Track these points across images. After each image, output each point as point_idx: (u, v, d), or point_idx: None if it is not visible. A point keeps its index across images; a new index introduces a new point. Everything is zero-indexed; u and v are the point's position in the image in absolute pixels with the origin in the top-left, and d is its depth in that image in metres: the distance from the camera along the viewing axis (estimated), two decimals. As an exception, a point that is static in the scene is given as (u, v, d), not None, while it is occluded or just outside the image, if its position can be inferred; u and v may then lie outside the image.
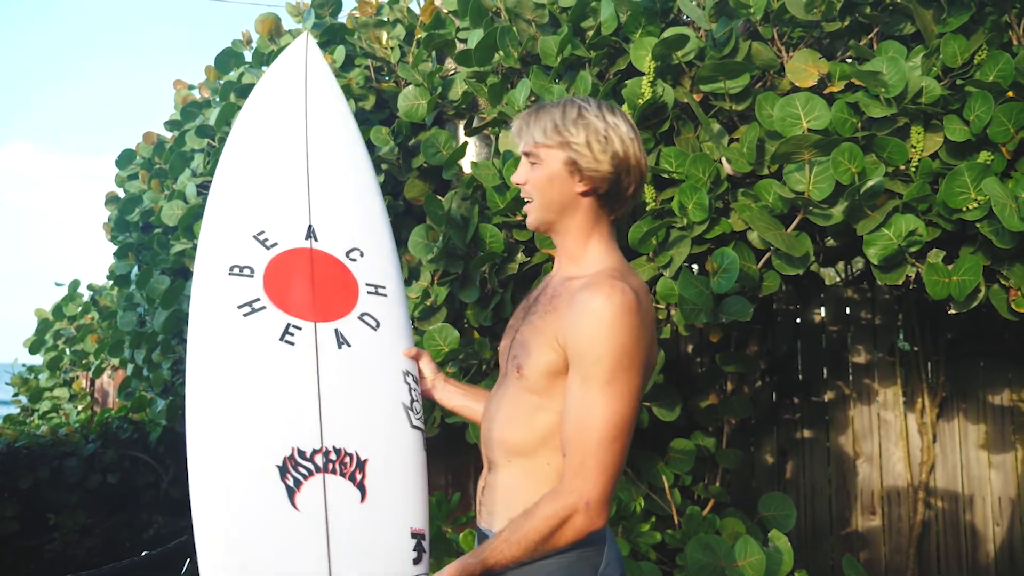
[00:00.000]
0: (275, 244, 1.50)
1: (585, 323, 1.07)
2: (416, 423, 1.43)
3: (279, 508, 1.22)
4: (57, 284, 6.17)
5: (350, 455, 1.31)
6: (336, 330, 1.44)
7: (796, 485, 3.07)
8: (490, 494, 1.26)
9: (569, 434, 1.08)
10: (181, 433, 4.84)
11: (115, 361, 4.89)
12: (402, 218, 2.69)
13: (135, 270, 3.84)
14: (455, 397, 1.53)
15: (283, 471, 1.25)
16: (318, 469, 1.28)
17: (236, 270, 1.44)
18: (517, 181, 1.23)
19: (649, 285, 2.10)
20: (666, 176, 2.10)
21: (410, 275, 2.47)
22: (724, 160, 2.08)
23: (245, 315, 1.38)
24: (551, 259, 2.33)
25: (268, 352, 1.36)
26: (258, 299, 1.41)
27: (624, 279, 1.14)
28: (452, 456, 3.11)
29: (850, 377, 3.07)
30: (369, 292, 1.54)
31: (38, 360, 6.50)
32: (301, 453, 1.28)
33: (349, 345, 1.44)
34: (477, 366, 2.36)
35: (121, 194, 4.06)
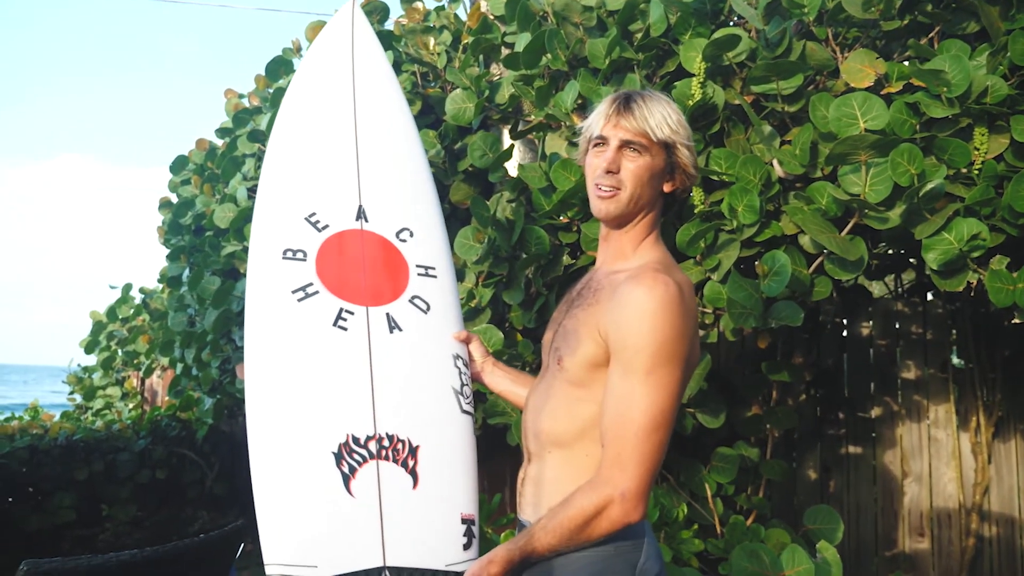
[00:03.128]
0: (326, 226, 1.49)
1: (627, 314, 1.05)
2: (466, 408, 1.42)
3: (336, 494, 1.23)
4: (111, 287, 6.31)
5: (402, 442, 1.31)
6: (388, 314, 1.44)
7: (840, 502, 2.94)
8: (530, 486, 1.24)
9: (607, 424, 1.06)
10: (226, 432, 4.89)
11: (165, 361, 4.95)
12: (448, 221, 2.65)
13: (187, 272, 3.89)
14: (503, 381, 1.53)
15: (338, 458, 1.26)
16: (372, 456, 1.28)
17: (289, 254, 1.43)
18: (609, 168, 1.19)
19: (696, 289, 2.05)
20: (715, 178, 2.05)
21: (456, 276, 2.41)
22: (775, 162, 2.02)
23: (299, 300, 1.38)
24: (594, 262, 2.30)
25: (322, 338, 1.36)
26: (311, 283, 1.41)
27: (668, 273, 1.12)
28: (491, 458, 3.05)
29: (899, 393, 2.94)
30: (419, 274, 1.53)
31: (93, 360, 6.63)
32: (355, 440, 1.28)
33: (400, 330, 1.43)
34: (520, 368, 2.29)
35: (174, 199, 4.13)
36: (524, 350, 2.33)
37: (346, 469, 1.25)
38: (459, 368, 1.46)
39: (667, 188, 1.19)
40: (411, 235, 1.56)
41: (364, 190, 1.57)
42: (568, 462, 1.16)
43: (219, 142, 3.88)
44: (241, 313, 3.36)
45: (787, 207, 1.95)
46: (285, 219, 1.48)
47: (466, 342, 1.53)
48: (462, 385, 1.45)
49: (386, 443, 1.31)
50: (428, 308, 1.49)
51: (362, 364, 1.36)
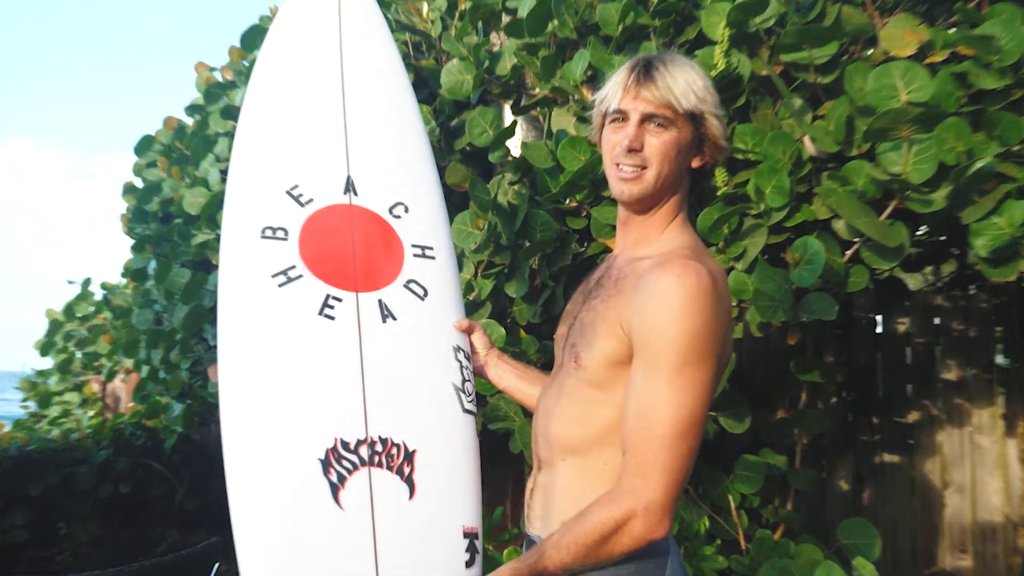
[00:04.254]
0: (310, 201, 1.46)
1: (652, 306, 1.05)
2: (468, 407, 1.41)
3: (323, 507, 1.20)
4: (69, 283, 6.27)
5: (397, 446, 1.29)
6: (380, 301, 1.42)
7: (874, 515, 2.94)
8: (540, 497, 1.22)
9: (630, 429, 1.05)
10: (197, 441, 4.88)
11: (129, 363, 4.94)
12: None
13: (153, 264, 3.87)
14: (509, 376, 1.52)
15: (325, 465, 1.23)
16: (363, 463, 1.25)
17: (268, 232, 1.40)
18: (632, 145, 1.17)
19: (719, 279, 2.03)
20: (740, 157, 2.03)
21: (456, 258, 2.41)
22: (807, 139, 2.01)
23: (280, 285, 1.36)
24: (608, 250, 2.28)
25: (306, 328, 1.34)
26: (293, 266, 1.38)
27: (699, 259, 1.11)
28: (491, 468, 3.04)
29: (939, 396, 2.93)
30: (415, 255, 1.51)
31: (48, 363, 6.60)
32: (345, 445, 1.25)
33: (394, 318, 1.41)
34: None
35: (139, 184, 4.10)
36: (528, 347, 2.33)
37: (334, 478, 1.23)
38: (460, 362, 1.44)
39: (695, 164, 1.18)
40: (406, 210, 1.53)
41: (353, 159, 1.53)
42: (583, 471, 1.16)
43: (189, 120, 3.86)
44: (214, 309, 3.34)
45: (820, 189, 1.95)
46: (263, 193, 1.45)
47: (468, 332, 1.51)
48: (464, 381, 1.43)
49: (379, 448, 1.28)
50: (425, 294, 1.47)
51: (351, 358, 1.33)
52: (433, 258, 1.51)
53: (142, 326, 3.92)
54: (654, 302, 1.05)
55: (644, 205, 1.19)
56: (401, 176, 1.57)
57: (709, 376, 1.05)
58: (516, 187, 2.40)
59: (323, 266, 1.39)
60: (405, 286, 1.46)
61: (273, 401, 1.25)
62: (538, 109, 2.45)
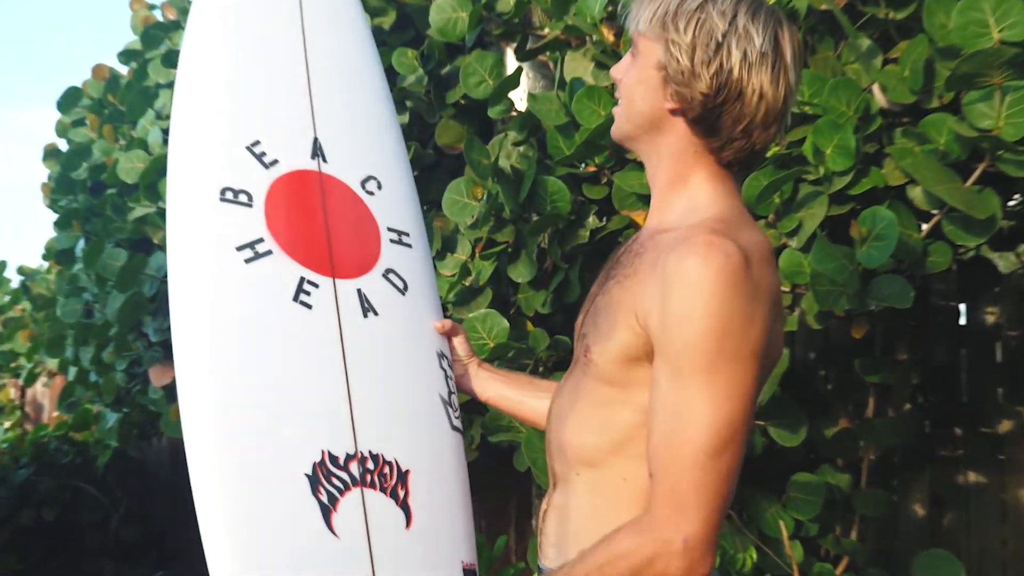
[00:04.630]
0: (275, 162, 1.48)
1: (673, 294, 1.05)
2: (456, 423, 1.45)
3: (314, 532, 1.21)
4: (-23, 268, 6.28)
5: (390, 464, 1.32)
6: (359, 291, 1.45)
7: (956, 545, 2.94)
8: (554, 521, 1.24)
9: (656, 446, 1.06)
10: (137, 459, 4.91)
11: (53, 364, 4.95)
12: (432, 171, 2.67)
13: (81, 243, 3.88)
14: (492, 384, 1.57)
15: (314, 482, 1.24)
16: (355, 482, 1.27)
17: (229, 195, 1.41)
18: (614, 75, 1.26)
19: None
20: (796, 110, 2.03)
21: (444, 246, 2.46)
22: (876, 88, 2.01)
23: (247, 261, 1.37)
24: (633, 225, 2.30)
25: (281, 316, 1.36)
26: (261, 239, 1.39)
27: (731, 234, 1.10)
28: (491, 490, 3.05)
29: (1035, 402, 2.91)
30: (392, 240, 1.56)
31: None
32: (334, 459, 1.27)
33: (376, 313, 1.45)
34: (533, 366, 2.32)
35: (64, 146, 4.10)
36: (537, 343, 2.33)
37: (325, 498, 1.23)
38: (444, 370, 1.48)
39: (669, 105, 1.18)
40: (379, 187, 1.57)
41: (320, 120, 1.57)
42: (599, 487, 1.17)
43: (123, 69, 3.86)
44: (155, 298, 3.36)
45: (892, 148, 1.94)
46: (220, 146, 1.46)
47: (449, 335, 1.56)
48: (449, 393, 1.47)
49: (370, 465, 1.30)
50: (405, 288, 1.51)
51: (333, 357, 1.35)
52: (410, 246, 1.55)
53: (68, 319, 3.93)
54: (675, 291, 1.05)
55: (630, 145, 1.26)
56: (371, 146, 1.62)
57: (750, 378, 1.06)
58: (521, 148, 2.39)
59: (295, 242, 1.41)
60: (384, 276, 1.49)
61: (249, 404, 1.27)
62: (548, 53, 2.45)
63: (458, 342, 1.58)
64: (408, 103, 2.61)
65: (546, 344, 2.33)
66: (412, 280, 1.53)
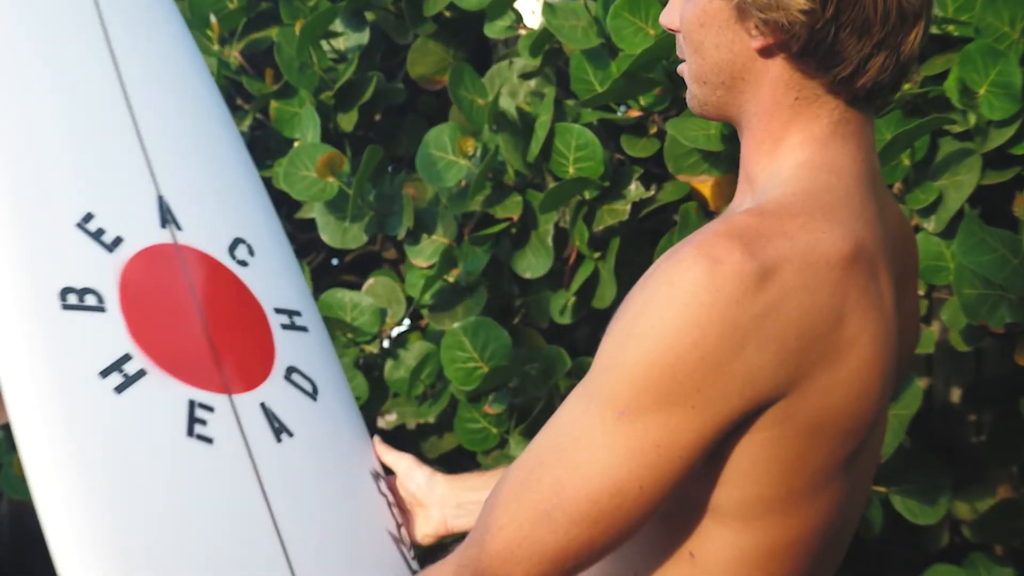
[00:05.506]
0: (118, 240, 1.34)
1: (629, 301, 0.98)
2: (413, 565, 1.40)
3: None
4: None
5: None
6: (263, 406, 1.35)
7: None
8: None
9: (516, 471, 0.99)
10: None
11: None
12: (401, 115, 2.39)
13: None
14: (475, 493, 1.39)
15: None
16: None
17: (72, 297, 1.27)
18: (665, 23, 1.16)
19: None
20: (936, 30, 1.82)
21: (417, 224, 2.15)
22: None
23: (117, 389, 1.22)
24: (696, 197, 2.05)
25: (177, 461, 1.24)
26: (128, 356, 1.26)
27: (761, 230, 0.95)
28: None
29: None
30: (284, 325, 1.46)
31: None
32: None
33: (290, 433, 1.35)
34: (545, 403, 2.03)
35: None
36: (551, 367, 2.04)
37: None
38: (385, 495, 1.42)
39: (757, 44, 1.03)
40: (250, 252, 1.47)
41: (160, 171, 1.45)
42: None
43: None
44: None
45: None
46: (43, 229, 1.32)
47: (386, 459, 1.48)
48: (397, 526, 1.40)
49: None
50: (315, 390, 1.42)
51: (255, 505, 1.25)
52: (305, 329, 1.48)
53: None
54: (632, 297, 0.99)
55: (719, 116, 1.13)
56: (231, 199, 1.55)
57: (694, 439, 0.93)
58: (533, 83, 2.15)
59: (172, 353, 1.31)
60: (287, 379, 1.40)
61: None
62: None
63: (390, 458, 1.45)
64: (368, 15, 2.33)
65: (566, 370, 2.05)
66: (320, 377, 1.44)
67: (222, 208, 1.54)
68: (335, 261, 2.58)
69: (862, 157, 1.05)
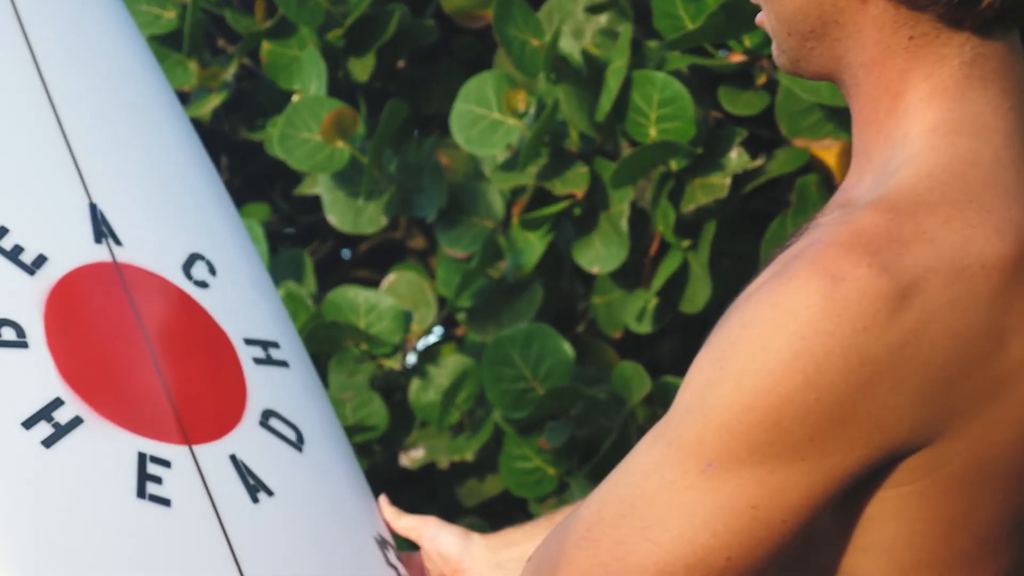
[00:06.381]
0: (41, 259, 1.23)
1: (727, 328, 0.85)
2: None
3: None
4: None
5: None
6: (234, 458, 1.23)
7: None
8: None
9: (574, 517, 0.88)
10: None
11: None
12: (432, 60, 2.21)
13: None
14: (517, 549, 1.26)
15: None
16: None
17: None
18: None
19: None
20: None
21: (451, 203, 1.98)
22: None
23: (46, 443, 1.11)
24: (817, 168, 1.88)
25: (123, 527, 1.12)
26: (59, 400, 1.14)
27: (895, 233, 0.81)
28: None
29: None
30: (257, 359, 1.33)
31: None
32: None
33: (270, 493, 1.23)
34: (617, 437, 1.85)
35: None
36: (627, 389, 1.89)
37: None
38: (394, 566, 1.27)
39: None
40: (211, 271, 1.33)
41: (90, 175, 1.30)
42: None
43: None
44: None
45: None
46: None
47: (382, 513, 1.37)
48: None
49: None
50: (299, 438, 1.30)
51: None
52: (285, 364, 1.35)
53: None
54: (728, 325, 0.85)
55: (814, 74, 0.94)
56: (183, 204, 1.42)
57: (789, 500, 0.81)
58: (603, 18, 1.96)
59: (113, 395, 1.19)
60: (263, 425, 1.28)
61: None
62: None
63: (403, 524, 1.31)
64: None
65: (645, 393, 1.88)
66: (305, 422, 1.31)
67: (173, 216, 1.41)
68: (346, 251, 2.42)
69: (1010, 104, 0.87)
